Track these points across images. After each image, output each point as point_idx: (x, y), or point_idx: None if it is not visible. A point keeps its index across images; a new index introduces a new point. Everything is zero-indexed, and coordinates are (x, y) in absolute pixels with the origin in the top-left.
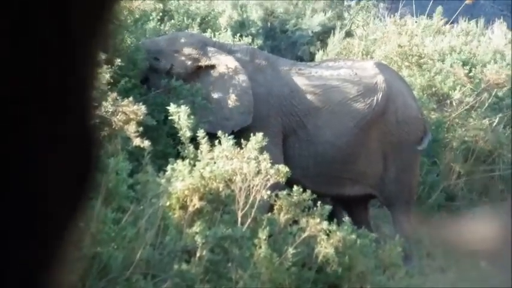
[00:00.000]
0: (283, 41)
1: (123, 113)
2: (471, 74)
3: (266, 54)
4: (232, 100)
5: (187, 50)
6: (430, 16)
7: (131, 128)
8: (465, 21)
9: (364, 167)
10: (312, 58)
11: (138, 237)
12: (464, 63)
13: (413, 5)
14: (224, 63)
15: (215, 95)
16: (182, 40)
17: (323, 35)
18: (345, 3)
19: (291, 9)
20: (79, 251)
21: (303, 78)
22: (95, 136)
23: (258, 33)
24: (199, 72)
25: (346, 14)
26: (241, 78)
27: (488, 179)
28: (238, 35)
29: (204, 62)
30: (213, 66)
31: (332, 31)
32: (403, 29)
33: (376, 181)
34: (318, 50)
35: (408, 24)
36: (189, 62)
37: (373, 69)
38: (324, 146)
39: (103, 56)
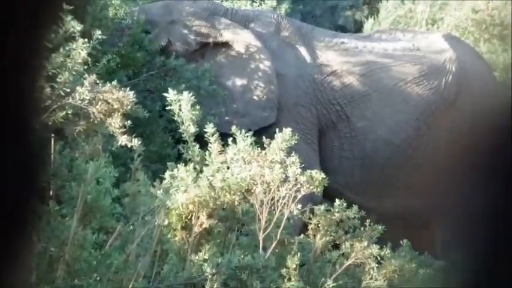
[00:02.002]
0: (318, 5)
1: (105, 102)
2: None
3: (297, 24)
4: (249, 90)
5: (189, 21)
6: None
7: (115, 122)
8: None
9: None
10: (358, 28)
11: (128, 266)
12: None
13: None
14: (240, 39)
15: (227, 82)
16: (182, 7)
17: None
18: None
19: None
20: (49, 283)
21: (347, 55)
22: (41, 128)
23: None
24: (205, 50)
25: None
26: (263, 60)
27: None
28: None
29: (212, 38)
30: (224, 44)
31: None
32: None
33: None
34: (367, 18)
35: None
36: (192, 37)
37: (441, 43)
38: (374, 145)
39: (78, 27)
